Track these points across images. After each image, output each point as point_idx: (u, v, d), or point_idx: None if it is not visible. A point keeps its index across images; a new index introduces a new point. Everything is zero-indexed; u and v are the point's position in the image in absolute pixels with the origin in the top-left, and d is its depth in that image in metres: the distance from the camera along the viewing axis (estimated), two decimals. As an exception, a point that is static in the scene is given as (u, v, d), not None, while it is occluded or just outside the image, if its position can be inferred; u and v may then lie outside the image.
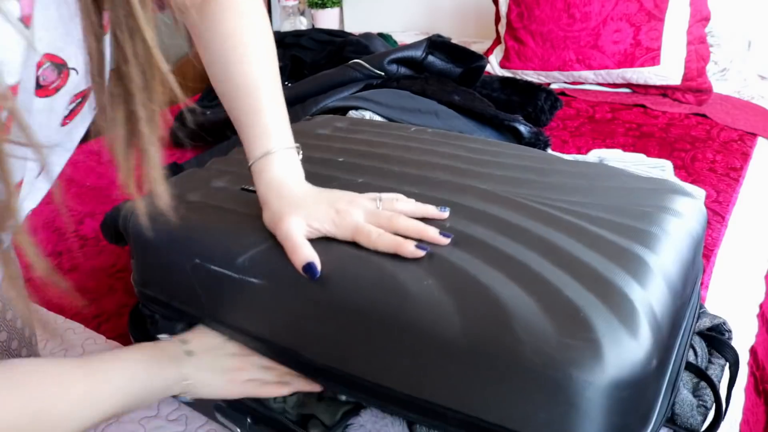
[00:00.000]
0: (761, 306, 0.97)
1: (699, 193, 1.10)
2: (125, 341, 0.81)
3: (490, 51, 1.91)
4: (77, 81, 0.41)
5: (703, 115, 1.50)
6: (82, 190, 1.30)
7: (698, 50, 1.58)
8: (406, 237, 0.51)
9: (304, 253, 0.51)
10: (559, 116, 1.51)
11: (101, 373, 0.48)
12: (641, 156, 1.17)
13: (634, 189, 0.63)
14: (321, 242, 0.53)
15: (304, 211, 0.53)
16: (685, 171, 1.24)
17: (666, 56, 1.58)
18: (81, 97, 0.43)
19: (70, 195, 1.29)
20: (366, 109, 1.18)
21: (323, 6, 2.50)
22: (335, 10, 2.54)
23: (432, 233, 0.51)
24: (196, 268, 0.58)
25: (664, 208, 0.58)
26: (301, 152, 0.60)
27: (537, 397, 0.42)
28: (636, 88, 1.67)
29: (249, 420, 0.59)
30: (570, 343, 0.41)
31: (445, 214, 0.55)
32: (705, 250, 0.98)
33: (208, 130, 1.38)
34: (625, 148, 1.33)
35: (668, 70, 1.58)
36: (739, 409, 0.79)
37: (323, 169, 0.67)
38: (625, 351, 0.41)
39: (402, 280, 0.48)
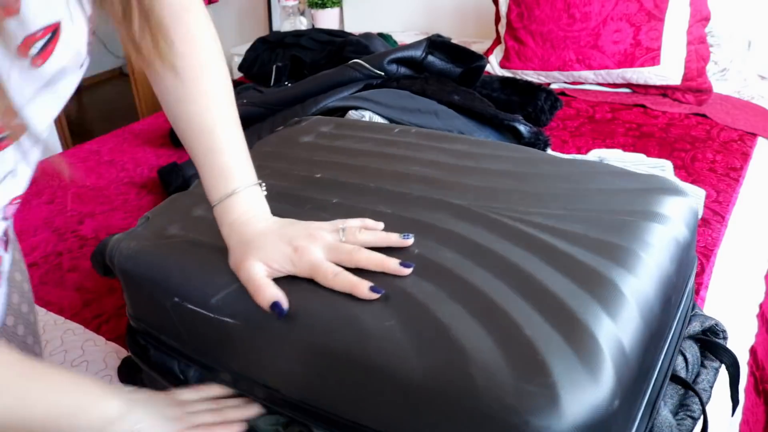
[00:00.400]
0: (761, 306, 0.97)
1: (699, 192, 1.11)
2: (125, 342, 0.81)
3: (490, 51, 1.91)
4: (37, 10, 0.40)
5: (703, 115, 1.50)
6: (82, 190, 1.30)
7: (698, 50, 1.58)
8: (368, 270, 0.51)
9: (269, 293, 0.51)
10: (559, 116, 1.51)
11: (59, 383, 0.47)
12: (641, 156, 1.17)
13: (619, 191, 0.62)
14: (287, 279, 0.53)
15: (262, 252, 0.53)
16: (685, 171, 1.24)
17: (666, 56, 1.58)
18: (51, 32, 0.41)
19: (70, 195, 1.29)
20: (366, 109, 1.18)
21: (323, 6, 2.50)
22: (335, 10, 2.54)
23: (392, 266, 0.51)
24: (175, 306, 0.58)
25: (648, 213, 0.57)
26: (264, 187, 0.59)
27: None
28: (636, 88, 1.67)
29: None
30: (526, 389, 0.40)
31: (409, 241, 0.54)
32: (705, 250, 0.98)
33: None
34: (625, 148, 1.33)
35: (668, 70, 1.58)
36: (738, 409, 0.79)
37: (300, 189, 0.68)
38: (584, 395, 0.40)
39: (364, 320, 0.48)
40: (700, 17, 1.59)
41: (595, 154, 1.18)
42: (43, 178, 1.36)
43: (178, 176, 1.23)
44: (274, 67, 1.80)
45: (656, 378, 0.53)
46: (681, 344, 0.59)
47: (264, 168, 0.71)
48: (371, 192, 0.65)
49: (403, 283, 0.50)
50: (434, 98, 1.27)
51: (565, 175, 0.65)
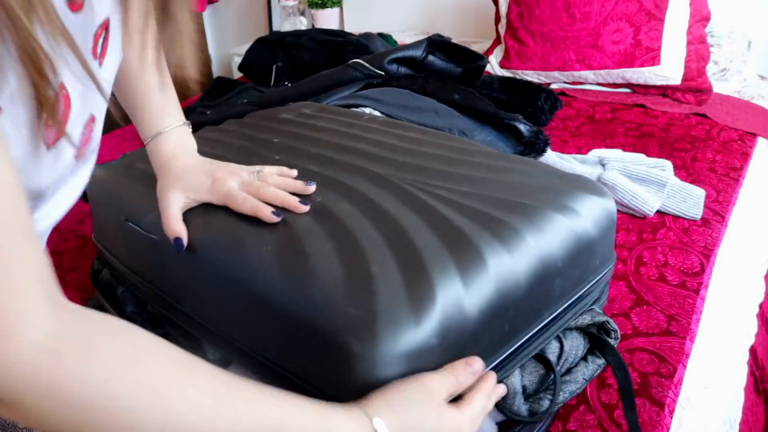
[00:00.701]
0: (761, 306, 0.97)
1: (699, 192, 1.11)
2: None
3: (490, 51, 1.91)
4: (94, 3, 0.42)
5: (703, 115, 1.50)
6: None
7: (698, 50, 1.58)
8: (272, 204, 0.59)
9: (173, 228, 0.58)
10: (559, 116, 1.51)
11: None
12: (641, 156, 1.17)
13: (539, 184, 0.64)
14: (199, 209, 0.61)
15: (183, 183, 0.60)
16: (685, 171, 1.24)
17: (666, 56, 1.58)
18: (105, 28, 0.44)
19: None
20: (366, 106, 1.18)
21: (323, 6, 2.50)
22: (335, 10, 2.54)
23: (291, 201, 0.58)
24: (122, 225, 0.68)
25: (554, 204, 0.60)
26: (190, 126, 0.67)
27: (326, 360, 0.47)
28: (636, 88, 1.67)
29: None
30: (351, 312, 0.46)
31: (311, 188, 0.62)
32: (705, 250, 0.98)
33: (208, 130, 1.38)
34: (625, 148, 1.33)
35: (668, 70, 1.58)
36: (739, 409, 0.79)
37: (255, 148, 0.75)
38: (401, 329, 0.45)
39: (248, 245, 0.56)
40: (700, 17, 1.59)
41: (595, 154, 1.18)
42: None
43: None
44: (274, 67, 1.80)
45: (514, 349, 0.56)
46: (562, 331, 0.62)
47: (237, 132, 0.83)
48: (310, 156, 0.72)
49: (294, 220, 0.57)
50: (434, 97, 1.27)
51: (491, 166, 0.68)
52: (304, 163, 0.69)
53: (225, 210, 0.60)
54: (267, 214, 0.57)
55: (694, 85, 1.58)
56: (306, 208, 0.58)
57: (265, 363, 0.54)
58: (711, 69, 1.68)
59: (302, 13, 2.59)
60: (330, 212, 0.58)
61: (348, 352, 0.45)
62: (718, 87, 1.66)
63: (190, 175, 0.61)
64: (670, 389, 0.73)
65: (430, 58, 1.42)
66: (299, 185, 0.62)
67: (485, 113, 1.22)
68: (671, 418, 0.70)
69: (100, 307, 0.80)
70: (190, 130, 0.67)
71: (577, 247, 0.59)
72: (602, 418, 0.69)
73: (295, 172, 0.64)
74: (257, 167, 0.63)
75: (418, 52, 1.41)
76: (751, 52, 1.78)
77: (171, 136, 0.64)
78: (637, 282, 0.92)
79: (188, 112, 1.49)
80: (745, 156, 1.31)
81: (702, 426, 0.72)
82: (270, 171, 0.63)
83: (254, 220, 0.58)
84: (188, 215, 0.61)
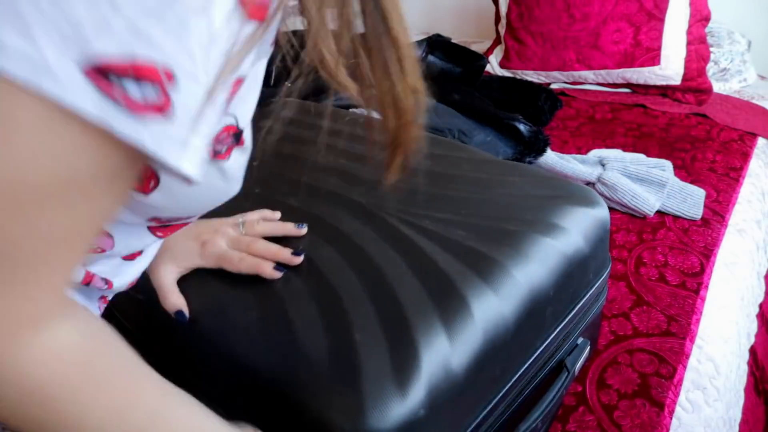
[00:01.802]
0: (761, 306, 0.97)
1: (699, 192, 1.11)
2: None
3: (490, 51, 1.91)
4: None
5: (703, 115, 1.50)
6: (82, 190, 1.30)
7: (698, 50, 1.58)
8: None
9: (172, 303, 0.55)
10: (559, 116, 1.51)
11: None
12: (641, 156, 1.17)
13: (522, 198, 0.63)
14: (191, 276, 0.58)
15: (171, 253, 0.57)
16: (685, 171, 1.24)
17: (666, 56, 1.57)
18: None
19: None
20: (366, 108, 1.18)
21: (323, 6, 2.50)
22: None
23: (285, 255, 0.56)
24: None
25: (539, 224, 0.58)
26: None
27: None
28: (636, 88, 1.67)
29: None
30: (337, 389, 0.45)
31: (303, 230, 0.60)
32: (705, 250, 0.98)
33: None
34: (625, 148, 1.33)
35: (668, 70, 1.58)
36: (739, 409, 0.79)
37: None
38: (388, 403, 0.44)
39: (231, 311, 0.53)
40: (700, 17, 1.59)
41: (595, 154, 1.18)
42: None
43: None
44: (274, 67, 1.80)
45: (507, 388, 0.55)
46: (571, 340, 0.62)
47: None
48: (289, 183, 0.70)
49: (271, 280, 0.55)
50: (434, 97, 1.27)
51: (478, 178, 0.67)
52: (284, 196, 0.67)
53: (202, 271, 0.58)
54: (269, 271, 0.55)
55: (694, 85, 1.58)
56: (299, 260, 0.56)
57: None
58: (711, 69, 1.68)
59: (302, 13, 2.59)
60: (311, 261, 0.56)
61: (337, 429, 0.44)
62: (718, 87, 1.65)
63: (176, 244, 0.58)
64: (670, 390, 0.73)
65: (430, 58, 1.42)
66: (290, 228, 0.60)
67: (485, 113, 1.22)
68: (671, 418, 0.70)
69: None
70: None
71: (568, 269, 0.58)
72: (601, 418, 0.69)
73: (278, 214, 0.62)
74: (240, 217, 0.60)
75: (417, 52, 1.41)
76: (751, 52, 1.78)
77: None
78: (637, 282, 0.92)
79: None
80: (745, 156, 1.31)
81: (702, 426, 0.71)
82: (253, 219, 0.60)
83: (233, 279, 0.56)
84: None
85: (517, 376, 0.55)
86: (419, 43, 1.44)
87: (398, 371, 0.45)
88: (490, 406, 0.53)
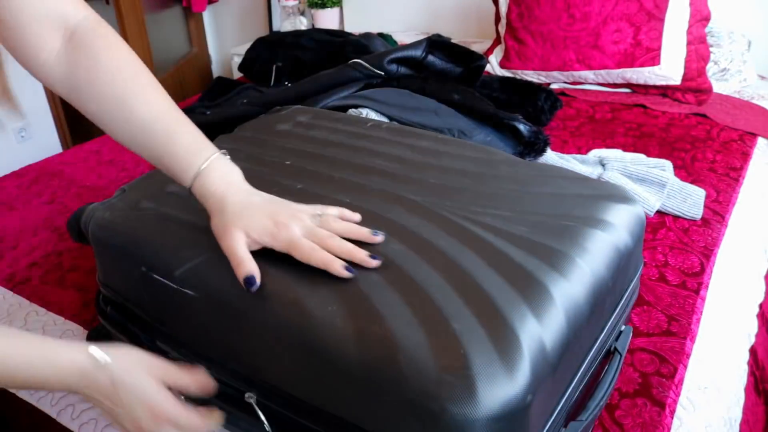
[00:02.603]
0: (761, 306, 0.97)
1: (699, 192, 1.11)
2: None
3: (490, 51, 1.91)
4: None
5: (703, 115, 1.50)
6: (82, 190, 1.30)
7: (698, 50, 1.58)
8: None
9: (246, 268, 0.54)
10: (559, 116, 1.51)
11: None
12: (641, 156, 1.17)
13: (568, 195, 0.65)
14: (256, 257, 0.56)
15: (244, 222, 0.56)
16: (685, 171, 1.24)
17: (666, 56, 1.57)
18: None
19: (70, 195, 1.29)
20: (365, 107, 1.18)
21: (323, 6, 2.50)
22: (335, 10, 2.54)
23: (360, 256, 0.54)
24: (143, 275, 0.62)
25: (591, 219, 0.60)
26: (227, 155, 0.61)
27: (417, 425, 0.45)
28: (636, 88, 1.67)
29: None
30: (446, 379, 0.44)
31: (378, 238, 0.57)
32: (705, 250, 0.98)
33: (208, 130, 1.38)
34: (625, 148, 1.33)
35: (668, 70, 1.58)
36: (739, 409, 0.79)
37: (269, 174, 0.71)
38: (499, 388, 0.44)
39: (309, 304, 0.51)
40: (700, 17, 1.59)
41: (595, 154, 1.18)
42: (44, 178, 1.36)
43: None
44: (274, 67, 1.80)
45: (581, 372, 0.56)
46: (613, 342, 0.64)
47: (238, 152, 0.77)
48: (334, 181, 0.69)
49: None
50: (434, 97, 1.27)
51: (519, 178, 0.68)
52: (331, 192, 0.66)
53: (268, 256, 0.55)
54: (339, 269, 0.53)
55: (694, 85, 1.58)
56: (376, 263, 0.54)
57: (341, 420, 0.51)
58: (711, 69, 1.68)
59: (302, 13, 2.59)
60: (383, 255, 0.55)
61: (448, 419, 0.43)
62: (718, 87, 1.66)
63: (249, 215, 0.56)
64: (671, 389, 0.73)
65: (430, 58, 1.42)
66: (366, 234, 0.57)
67: (485, 113, 1.22)
68: (672, 418, 0.70)
69: (107, 335, 0.75)
70: (228, 156, 0.62)
71: (618, 261, 0.60)
72: (603, 417, 0.69)
73: (357, 217, 0.60)
74: (318, 209, 0.59)
75: (417, 52, 1.41)
76: (751, 52, 1.78)
77: (212, 171, 0.58)
78: (638, 282, 0.92)
79: (188, 112, 1.49)
80: (745, 156, 1.31)
81: (702, 426, 0.72)
82: (332, 215, 0.59)
83: (305, 270, 0.54)
84: (228, 263, 0.56)
85: (587, 361, 0.57)
86: (419, 43, 1.43)
87: (504, 356, 0.45)
88: (569, 391, 0.54)
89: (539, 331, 0.48)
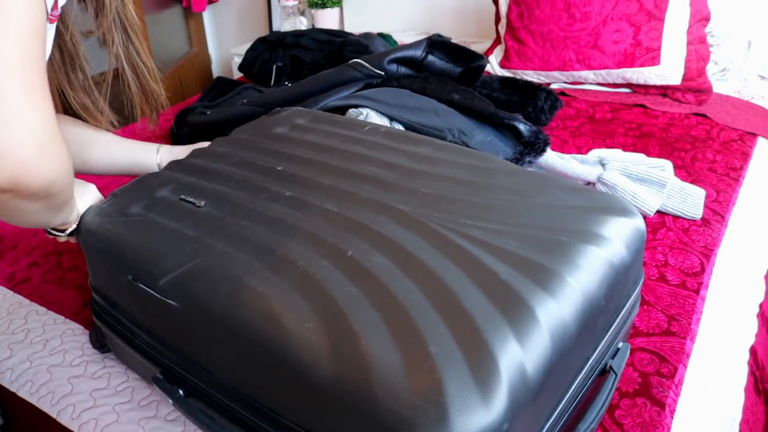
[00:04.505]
0: (761, 306, 0.97)
1: (699, 192, 1.11)
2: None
3: (490, 51, 1.91)
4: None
5: (703, 115, 1.50)
6: (82, 190, 1.30)
7: (698, 50, 1.58)
8: None
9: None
10: (559, 116, 1.51)
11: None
12: (641, 156, 1.17)
13: (565, 207, 0.62)
14: (236, 267, 0.57)
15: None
16: (685, 171, 1.24)
17: (666, 56, 1.58)
18: None
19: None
20: (366, 107, 1.18)
21: (323, 6, 2.50)
22: (335, 10, 2.54)
23: None
24: (128, 283, 0.63)
25: (586, 234, 0.58)
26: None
27: None
28: (636, 88, 1.67)
29: (181, 392, 0.63)
30: (419, 404, 0.43)
31: None
32: (705, 250, 0.98)
33: (207, 130, 1.38)
34: (625, 148, 1.33)
35: (668, 70, 1.58)
36: (738, 409, 0.79)
37: (260, 180, 0.71)
38: (473, 416, 0.42)
39: (286, 319, 0.51)
40: (700, 17, 1.59)
41: (595, 154, 1.18)
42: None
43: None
44: (274, 67, 1.80)
45: (570, 395, 0.54)
46: (608, 361, 0.62)
47: (232, 156, 0.78)
48: (323, 189, 0.68)
49: (330, 284, 0.53)
50: (434, 97, 1.27)
51: (514, 188, 0.66)
52: (319, 200, 0.65)
53: (248, 269, 0.56)
54: None
55: (694, 85, 1.58)
56: None
57: None
58: (711, 69, 1.68)
59: (302, 13, 2.59)
60: (365, 270, 0.54)
61: None
62: (718, 87, 1.66)
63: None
64: (671, 389, 0.73)
65: (430, 58, 1.42)
66: None
67: (485, 113, 1.22)
68: (672, 417, 0.70)
69: (104, 339, 0.79)
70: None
71: (615, 278, 0.57)
72: (602, 418, 0.69)
73: None
74: None
75: (417, 52, 1.41)
76: (751, 52, 1.78)
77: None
78: (637, 282, 0.92)
79: (188, 112, 1.49)
80: (745, 156, 1.31)
81: (702, 426, 0.72)
82: None
83: (284, 283, 0.54)
84: (209, 274, 0.57)
85: (576, 384, 0.55)
86: (419, 43, 1.43)
87: (480, 383, 0.44)
88: (555, 415, 0.52)
89: (520, 356, 0.46)
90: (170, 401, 0.64)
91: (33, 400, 0.79)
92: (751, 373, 0.86)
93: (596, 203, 0.64)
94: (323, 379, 0.47)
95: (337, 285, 0.53)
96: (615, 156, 1.15)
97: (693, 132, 1.42)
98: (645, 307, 0.87)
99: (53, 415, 0.76)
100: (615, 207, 0.63)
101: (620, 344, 0.66)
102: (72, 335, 0.87)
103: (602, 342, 0.59)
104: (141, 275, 0.61)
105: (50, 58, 0.65)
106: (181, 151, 0.92)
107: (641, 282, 0.68)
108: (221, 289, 0.55)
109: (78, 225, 0.71)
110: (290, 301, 0.53)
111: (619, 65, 1.62)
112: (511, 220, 0.60)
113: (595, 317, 0.55)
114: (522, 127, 1.18)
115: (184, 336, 0.60)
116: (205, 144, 0.87)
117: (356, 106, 1.20)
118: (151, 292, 0.60)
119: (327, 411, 0.48)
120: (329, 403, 0.48)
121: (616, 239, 0.59)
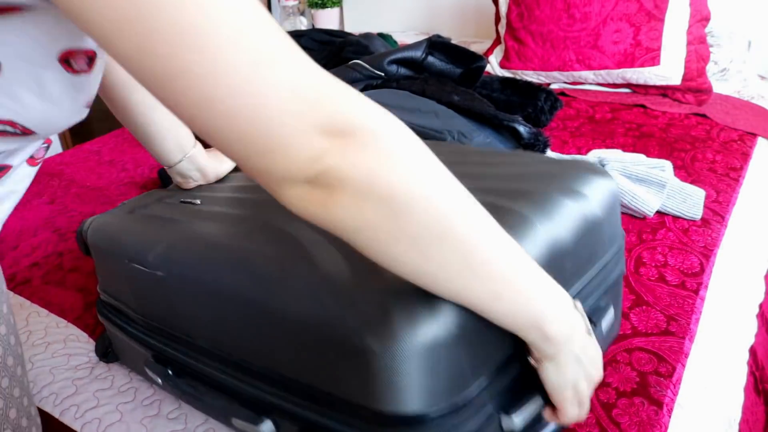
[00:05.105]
0: (761, 306, 0.97)
1: (699, 193, 1.11)
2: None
3: (490, 51, 1.92)
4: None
5: (703, 115, 1.50)
6: (82, 191, 1.31)
7: (698, 50, 1.58)
8: None
9: None
10: (559, 116, 1.51)
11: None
12: (641, 156, 1.17)
13: (540, 172, 0.65)
14: (225, 226, 0.62)
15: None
16: (685, 171, 1.24)
17: (666, 56, 1.58)
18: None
19: (70, 195, 1.29)
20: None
21: (323, 6, 2.50)
22: (335, 10, 2.54)
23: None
24: (126, 268, 0.67)
25: (560, 187, 0.61)
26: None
27: (342, 360, 0.47)
28: (636, 88, 1.67)
29: (170, 371, 0.66)
30: (364, 310, 0.46)
31: None
32: (705, 250, 0.99)
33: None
34: (625, 148, 1.33)
35: (668, 70, 1.58)
36: (738, 409, 0.79)
37: (230, 208, 0.73)
38: (417, 321, 0.44)
39: (252, 259, 0.56)
40: (700, 17, 1.59)
41: (595, 155, 1.18)
42: (44, 178, 1.37)
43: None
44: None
45: None
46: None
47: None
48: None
49: (298, 233, 0.57)
50: (434, 98, 1.27)
51: (491, 162, 0.69)
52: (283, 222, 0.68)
53: (225, 228, 0.61)
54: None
55: (694, 85, 1.58)
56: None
57: (281, 380, 0.54)
58: (711, 69, 1.69)
59: (302, 13, 2.60)
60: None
61: (366, 351, 0.45)
62: (718, 87, 1.66)
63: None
64: (669, 389, 0.73)
65: (430, 58, 1.43)
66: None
67: (484, 114, 1.22)
68: (670, 417, 0.70)
69: (109, 346, 0.81)
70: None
71: (585, 228, 0.60)
72: (600, 416, 0.69)
73: None
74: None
75: (417, 53, 1.42)
76: (751, 52, 1.78)
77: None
78: (637, 282, 0.92)
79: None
80: (745, 156, 1.31)
81: (701, 426, 0.72)
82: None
83: (254, 235, 0.58)
84: (190, 241, 0.62)
85: None
86: (419, 43, 1.44)
87: (428, 293, 0.45)
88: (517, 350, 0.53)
89: None
90: (160, 381, 0.67)
91: (35, 400, 0.79)
92: (751, 373, 0.86)
93: (570, 166, 0.67)
94: (284, 307, 0.50)
95: (305, 234, 0.56)
96: (615, 156, 1.16)
97: (693, 132, 1.42)
98: (644, 307, 0.87)
99: (56, 415, 0.76)
100: (588, 168, 0.66)
101: (602, 302, 0.67)
102: (76, 340, 0.87)
103: (573, 286, 0.60)
104: (135, 256, 0.65)
105: None
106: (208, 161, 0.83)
107: (620, 242, 0.69)
108: (197, 253, 0.60)
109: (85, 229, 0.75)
110: (255, 245, 0.57)
111: (619, 65, 1.62)
112: (481, 181, 0.62)
113: (561, 260, 0.57)
114: (522, 128, 1.18)
115: (171, 308, 0.64)
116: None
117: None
118: (142, 268, 0.64)
119: (294, 342, 0.51)
120: (294, 333, 0.50)
121: (588, 194, 0.62)
